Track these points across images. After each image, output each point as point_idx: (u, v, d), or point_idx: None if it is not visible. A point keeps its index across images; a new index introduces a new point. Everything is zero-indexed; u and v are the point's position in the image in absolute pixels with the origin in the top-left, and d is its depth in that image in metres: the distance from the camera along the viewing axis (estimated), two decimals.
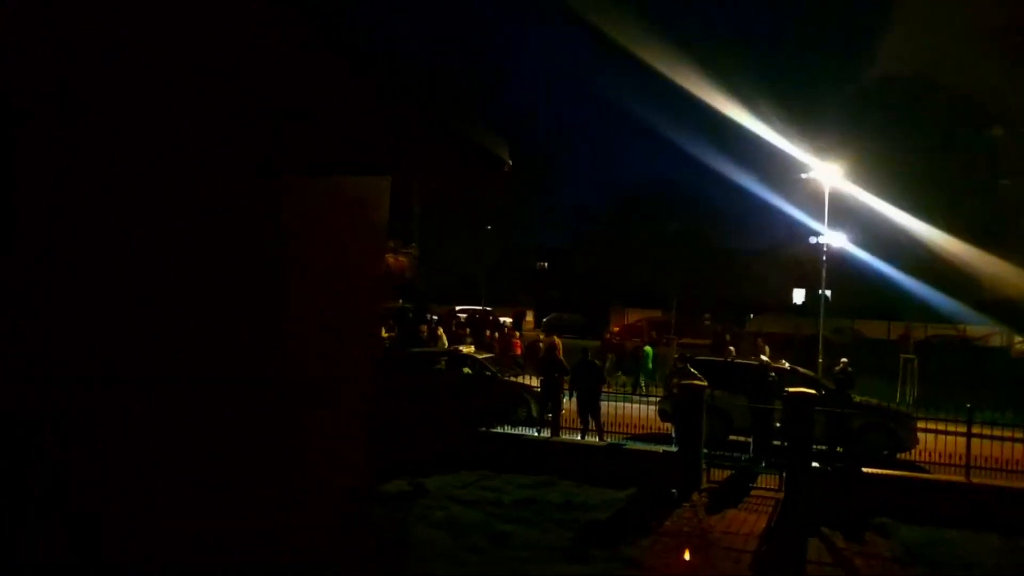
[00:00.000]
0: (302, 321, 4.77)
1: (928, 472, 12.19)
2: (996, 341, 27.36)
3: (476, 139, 5.16)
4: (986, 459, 11.59)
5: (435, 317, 25.40)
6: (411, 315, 22.75)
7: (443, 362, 15.99)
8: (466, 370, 15.47)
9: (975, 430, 11.65)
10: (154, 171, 3.64)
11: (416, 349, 17.53)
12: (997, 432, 12.09)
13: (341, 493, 4.91)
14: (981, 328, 27.49)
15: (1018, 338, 26.80)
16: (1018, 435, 12.25)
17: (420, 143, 5.25)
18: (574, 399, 13.96)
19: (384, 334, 19.46)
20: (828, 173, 24.52)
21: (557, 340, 15.70)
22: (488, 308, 32.08)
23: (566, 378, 14.11)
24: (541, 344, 18.10)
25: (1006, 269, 23.37)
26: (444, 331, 22.16)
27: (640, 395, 16.31)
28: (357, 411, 5.19)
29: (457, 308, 30.97)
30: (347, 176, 5.56)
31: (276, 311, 4.56)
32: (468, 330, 25.40)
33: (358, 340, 5.63)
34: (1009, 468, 11.57)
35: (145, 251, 3.57)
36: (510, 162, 5.48)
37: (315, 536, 4.46)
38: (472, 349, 18.13)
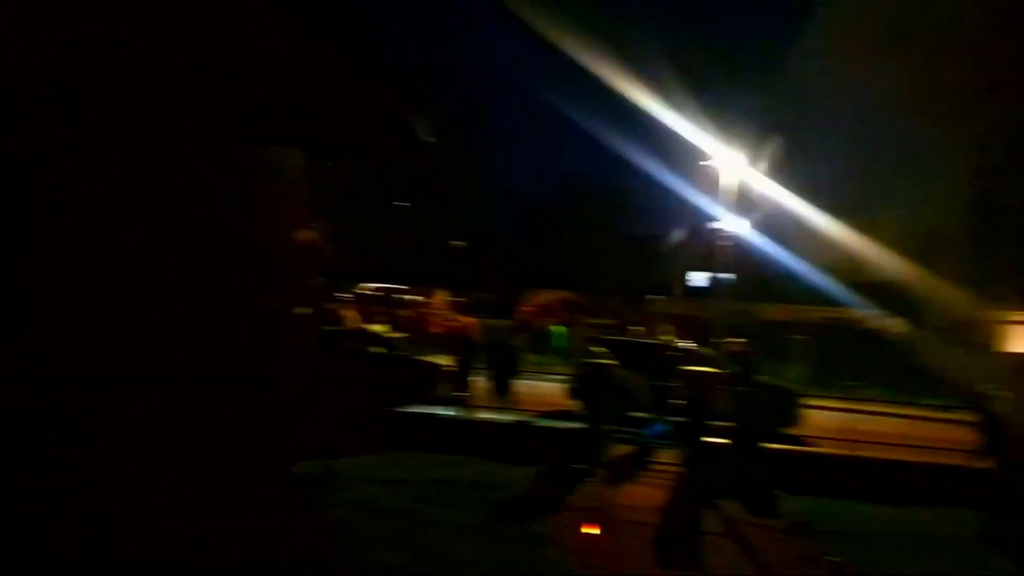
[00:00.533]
0: (222, 297, 4.65)
1: (814, 446, 13.06)
2: (877, 324, 29.32)
3: (399, 116, 5.12)
4: (867, 433, 12.54)
5: (346, 295, 25.04)
6: (319, 292, 22.33)
7: (353, 341, 15.83)
8: (377, 349, 15.38)
9: (857, 406, 12.56)
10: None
11: (325, 328, 17.25)
12: (877, 408, 13.07)
13: (262, 474, 4.86)
14: (864, 311, 29.36)
15: (895, 320, 28.79)
16: (895, 410, 13.30)
17: (338, 116, 5.19)
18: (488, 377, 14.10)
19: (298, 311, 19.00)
20: (729, 161, 25.59)
21: (470, 320, 15.81)
22: (401, 287, 31.76)
23: (479, 357, 14.25)
24: (455, 324, 18.18)
25: (884, 256, 24.99)
26: (354, 310, 21.89)
27: (550, 373, 16.71)
28: (282, 388, 5.13)
29: (369, 286, 30.52)
30: (263, 149, 5.43)
31: (197, 282, 4.42)
32: (382, 308, 25.19)
33: (277, 311, 5.54)
34: (887, 441, 12.55)
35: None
36: (432, 139, 5.47)
37: (234, 518, 4.41)
38: (383, 328, 18.00)
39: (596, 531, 8.97)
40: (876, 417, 12.77)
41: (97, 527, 3.31)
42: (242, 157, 5.14)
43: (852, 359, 19.96)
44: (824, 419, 13.30)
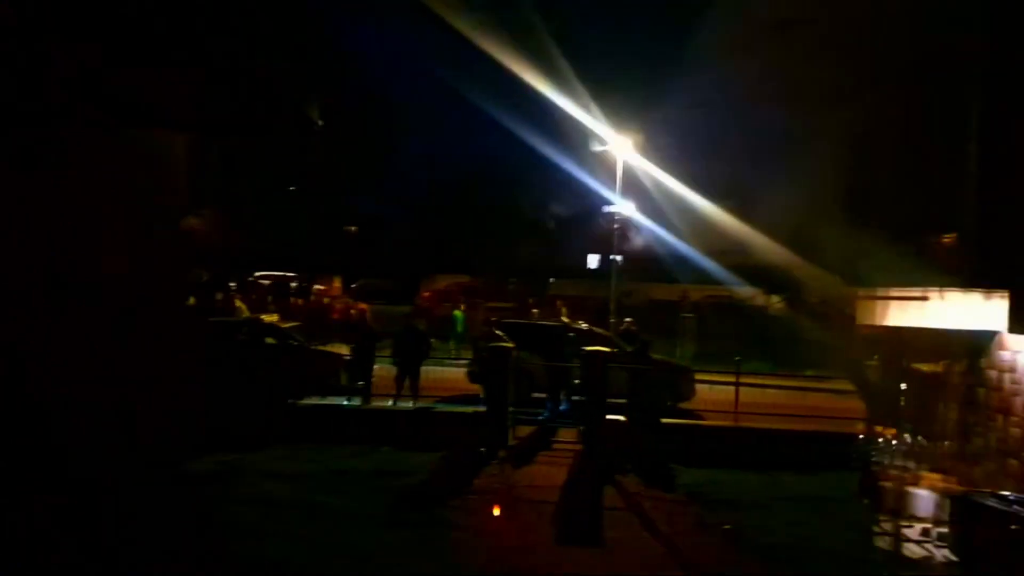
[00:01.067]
0: (103, 282, 4.37)
1: (704, 419, 13.68)
2: (758, 301, 30.96)
3: (287, 97, 4.95)
4: (753, 405, 13.23)
5: (232, 284, 24.05)
6: (207, 282, 21.38)
7: (245, 332, 15.22)
8: (270, 340, 14.87)
9: (742, 380, 13.22)
10: None
11: (215, 319, 16.54)
12: (760, 380, 13.83)
13: (153, 471, 4.62)
14: (746, 290, 30.92)
15: (775, 298, 30.49)
16: (776, 383, 14.13)
17: (223, 98, 4.95)
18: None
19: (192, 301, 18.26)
20: (621, 146, 26.27)
21: (365, 306, 15.54)
22: (294, 274, 30.79)
23: (377, 344, 13.99)
24: (352, 311, 17.80)
25: (761, 239, 26.35)
26: (244, 300, 21.07)
27: (451, 358, 16.70)
28: (171, 382, 4.88)
29: (259, 274, 29.39)
30: (144, 132, 5.12)
31: (72, 268, 4.14)
32: (270, 298, 24.37)
33: (164, 304, 5.26)
34: (771, 412, 13.30)
35: None
36: (320, 122, 5.32)
37: (127, 515, 4.18)
38: (276, 318, 17.43)
39: (499, 512, 9.09)
40: (762, 389, 13.49)
41: None
42: (120, 142, 4.85)
43: (736, 335, 21.02)
44: (715, 393, 13.94)
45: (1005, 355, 8.70)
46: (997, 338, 8.77)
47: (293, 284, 28.64)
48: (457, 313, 21.18)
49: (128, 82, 4.15)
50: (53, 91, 3.85)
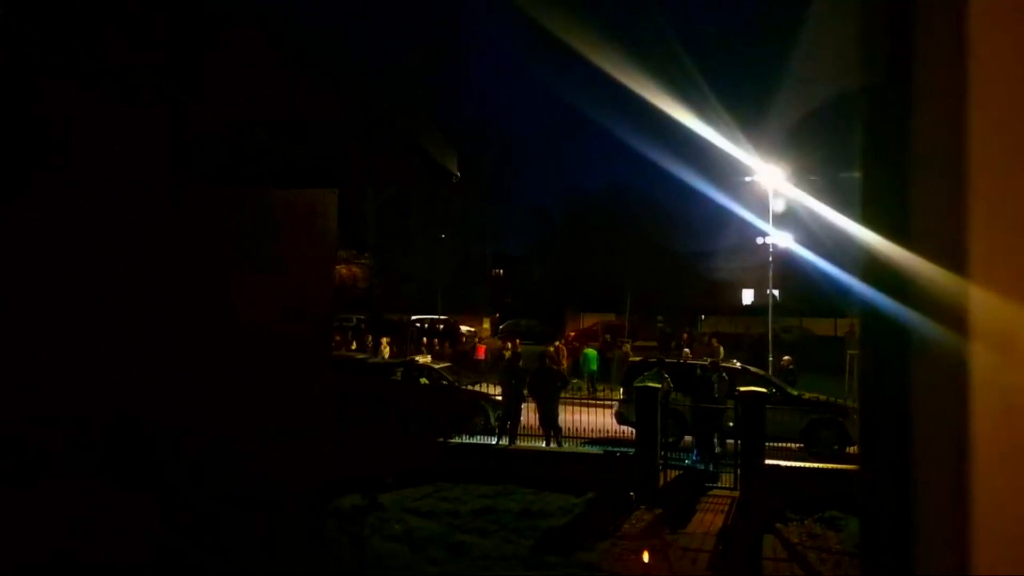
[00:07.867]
0: (255, 329, 4.65)
1: None
2: None
3: (425, 150, 5.10)
4: None
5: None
6: (363, 326, 22.56)
7: (399, 373, 15.82)
8: (423, 380, 15.34)
9: None
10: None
11: (370, 360, 17.36)
12: None
13: (299, 507, 4.79)
14: None
15: None
16: None
17: (370, 155, 5.19)
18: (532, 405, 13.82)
19: (354, 347, 19.47)
20: (771, 176, 25.08)
21: (518, 347, 15.65)
22: (444, 317, 31.75)
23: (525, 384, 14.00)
24: (506, 352, 18.04)
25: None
26: (396, 342, 22.00)
27: (590, 399, 16.46)
28: (314, 422, 5.08)
29: (414, 317, 30.59)
30: (296, 188, 5.46)
31: (227, 319, 4.43)
32: (424, 339, 25.30)
33: (311, 348, 5.52)
34: None
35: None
36: (458, 173, 5.46)
37: (272, 551, 4.34)
38: (428, 359, 18.01)
39: (649, 559, 8.70)
40: None
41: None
42: (273, 199, 5.19)
43: None
44: None
45: None
46: None
47: (444, 325, 29.51)
48: (589, 351, 20.79)
49: (288, 151, 4.45)
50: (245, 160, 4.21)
